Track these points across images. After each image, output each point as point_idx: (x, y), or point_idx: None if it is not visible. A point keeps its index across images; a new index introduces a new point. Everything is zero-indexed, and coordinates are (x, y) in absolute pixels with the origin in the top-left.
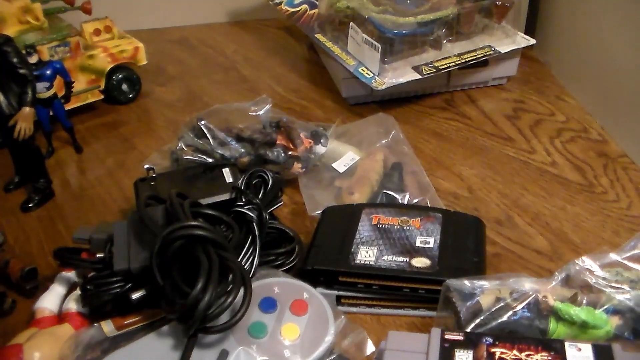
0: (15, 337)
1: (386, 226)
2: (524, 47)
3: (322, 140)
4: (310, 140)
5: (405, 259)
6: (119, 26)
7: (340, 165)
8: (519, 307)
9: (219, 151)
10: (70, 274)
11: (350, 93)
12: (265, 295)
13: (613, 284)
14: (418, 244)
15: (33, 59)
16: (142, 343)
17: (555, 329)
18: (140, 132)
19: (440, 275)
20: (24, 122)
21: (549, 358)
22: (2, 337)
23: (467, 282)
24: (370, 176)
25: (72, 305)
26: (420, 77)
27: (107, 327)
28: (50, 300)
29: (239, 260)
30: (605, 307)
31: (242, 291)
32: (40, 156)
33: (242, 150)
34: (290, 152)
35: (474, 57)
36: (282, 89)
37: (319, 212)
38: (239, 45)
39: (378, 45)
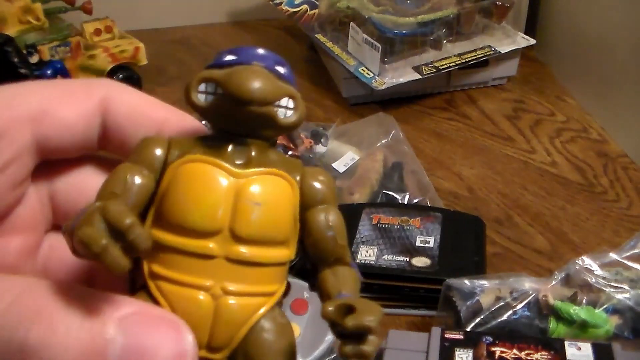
0: None
1: (386, 226)
2: (524, 47)
3: (322, 140)
4: (310, 140)
5: (405, 259)
6: (120, 26)
7: (340, 165)
8: (519, 306)
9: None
10: None
11: (351, 93)
12: None
13: (613, 283)
14: (418, 243)
15: (34, 59)
16: None
17: (555, 328)
18: None
19: (440, 274)
20: None
21: (549, 357)
22: None
23: (467, 282)
24: (370, 176)
25: None
26: (420, 77)
27: None
28: None
29: None
30: (605, 306)
31: None
32: None
33: None
34: (290, 152)
35: (474, 57)
36: None
37: None
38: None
39: (378, 45)
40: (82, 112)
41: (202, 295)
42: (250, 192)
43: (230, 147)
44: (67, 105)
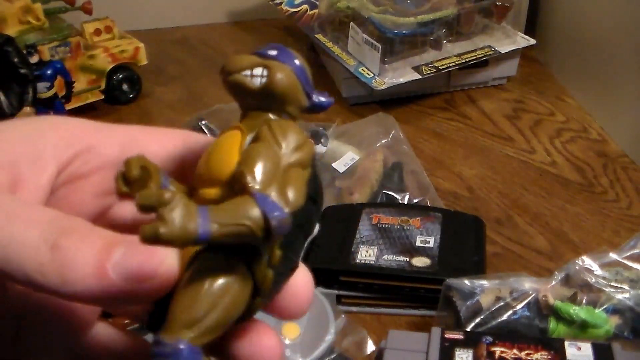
0: None
1: (386, 226)
2: (524, 47)
3: (322, 140)
4: (310, 140)
5: (405, 259)
6: (120, 26)
7: (340, 165)
8: (519, 306)
9: None
10: None
11: (351, 93)
12: None
13: (613, 284)
14: (418, 243)
15: (34, 59)
16: None
17: (555, 328)
18: None
19: (440, 274)
20: None
21: (549, 357)
22: None
23: (467, 282)
24: (370, 176)
25: None
26: (420, 77)
27: None
28: None
29: None
30: (604, 306)
31: None
32: None
33: None
34: None
35: (474, 57)
36: None
37: None
38: (239, 45)
39: (378, 45)
40: (165, 144)
41: None
42: (214, 143)
43: (240, 117)
44: (152, 137)
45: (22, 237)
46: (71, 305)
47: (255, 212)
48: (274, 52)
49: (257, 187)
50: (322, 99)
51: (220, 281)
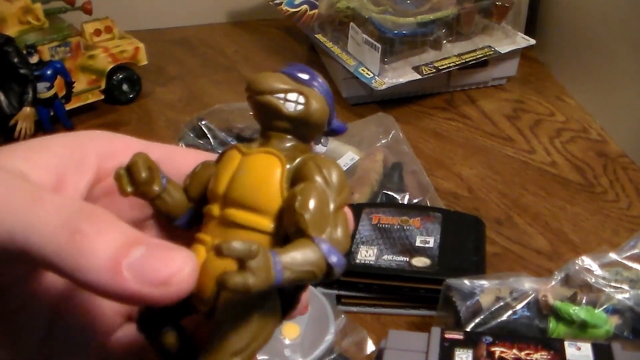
0: None
1: (386, 226)
2: (523, 47)
3: (322, 140)
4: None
5: (405, 259)
6: (120, 26)
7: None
8: (519, 306)
9: (220, 151)
10: None
11: (351, 93)
12: None
13: (612, 284)
14: (418, 243)
15: (34, 59)
16: None
17: (555, 328)
18: (141, 133)
19: (440, 274)
20: (25, 121)
21: (549, 357)
22: None
23: (467, 282)
24: (370, 176)
25: None
26: (420, 77)
27: None
28: None
29: None
30: (604, 306)
31: None
32: None
33: None
34: None
35: (474, 58)
36: None
37: None
38: (239, 45)
39: (378, 45)
40: (198, 162)
41: (202, 249)
42: (244, 163)
43: (257, 138)
44: (187, 155)
45: (45, 219)
46: (101, 306)
47: (319, 258)
48: (305, 77)
49: (316, 231)
50: (339, 124)
51: (261, 314)
